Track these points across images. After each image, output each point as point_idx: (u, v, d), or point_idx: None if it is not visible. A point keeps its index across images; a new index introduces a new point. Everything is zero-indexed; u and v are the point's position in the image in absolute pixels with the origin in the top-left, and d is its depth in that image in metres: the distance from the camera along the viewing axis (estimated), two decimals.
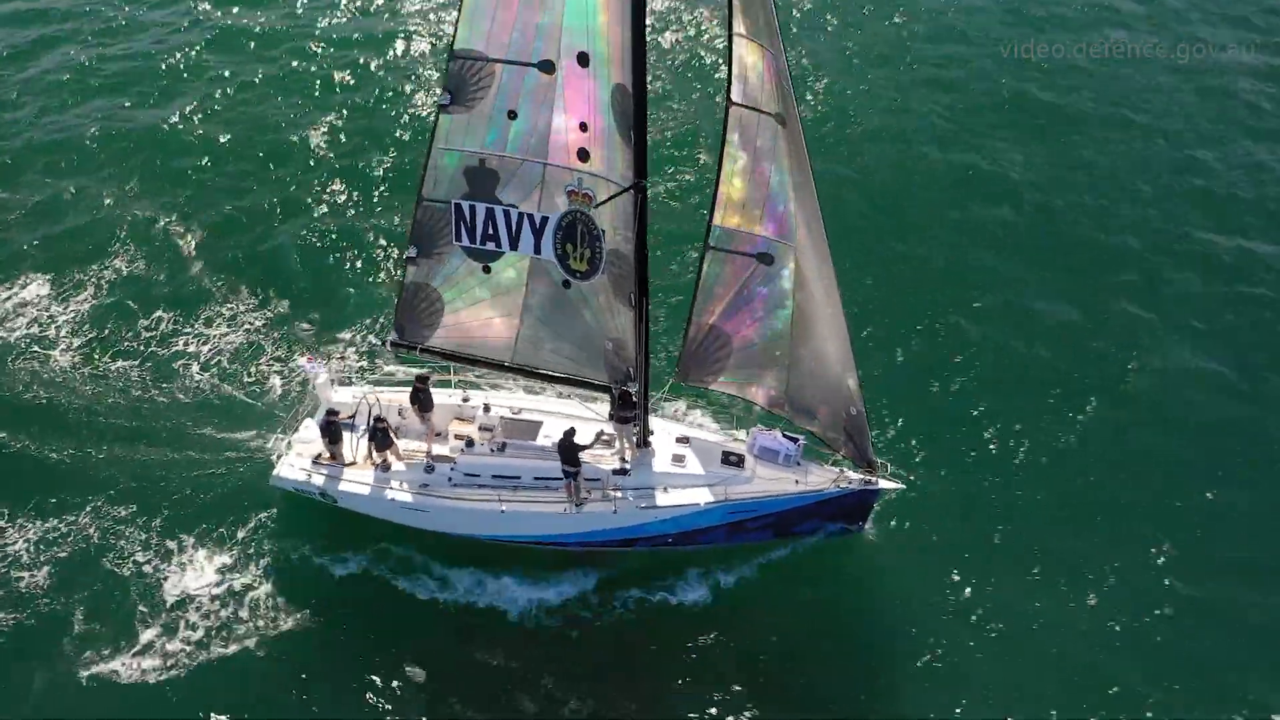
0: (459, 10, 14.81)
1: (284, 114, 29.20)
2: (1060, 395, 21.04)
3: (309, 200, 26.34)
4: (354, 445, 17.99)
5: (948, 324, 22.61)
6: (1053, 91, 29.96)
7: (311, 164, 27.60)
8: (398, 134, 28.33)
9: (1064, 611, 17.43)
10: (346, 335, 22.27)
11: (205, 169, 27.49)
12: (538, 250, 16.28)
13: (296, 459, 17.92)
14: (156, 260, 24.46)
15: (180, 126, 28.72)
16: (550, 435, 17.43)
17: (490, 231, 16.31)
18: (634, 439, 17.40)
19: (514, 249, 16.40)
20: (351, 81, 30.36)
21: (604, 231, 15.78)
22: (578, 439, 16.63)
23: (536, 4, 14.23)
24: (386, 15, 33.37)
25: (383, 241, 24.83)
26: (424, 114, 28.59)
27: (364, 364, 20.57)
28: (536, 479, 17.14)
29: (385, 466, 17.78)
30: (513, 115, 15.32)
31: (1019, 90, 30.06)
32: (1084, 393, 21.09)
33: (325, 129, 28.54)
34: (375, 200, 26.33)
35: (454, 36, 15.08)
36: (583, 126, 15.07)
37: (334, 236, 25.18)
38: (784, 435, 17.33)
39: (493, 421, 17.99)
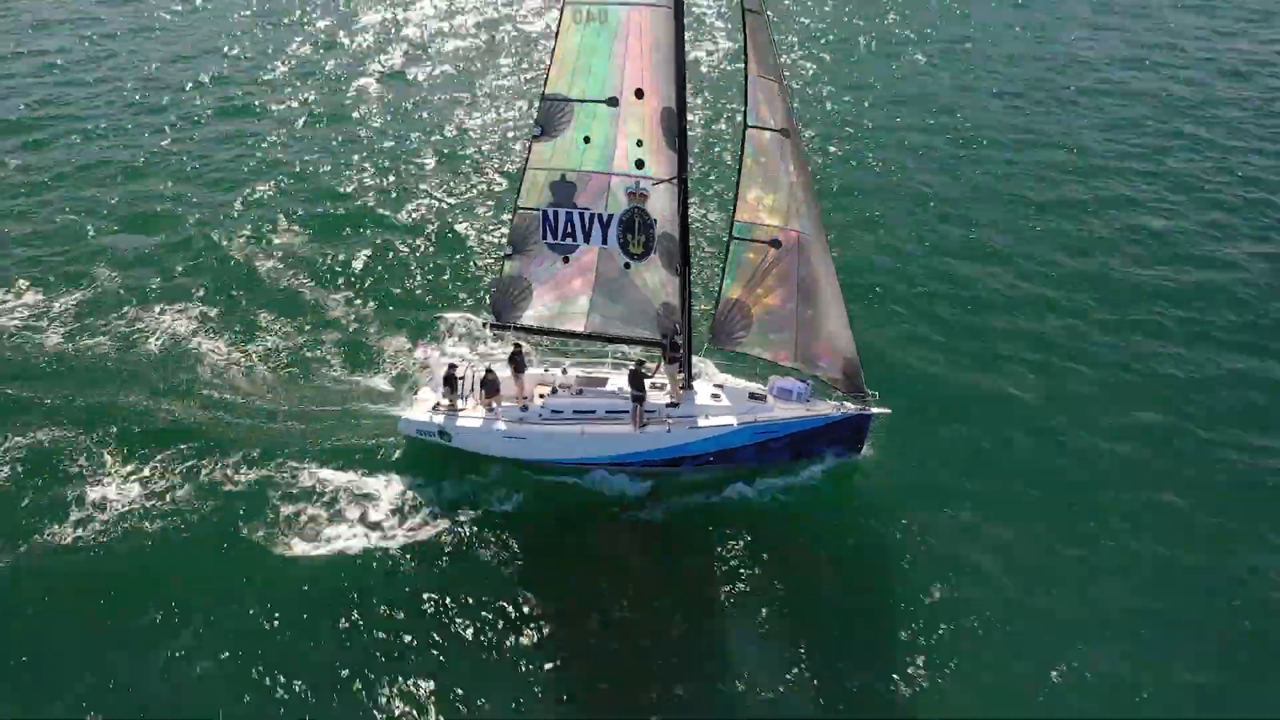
0: (551, 62, 20.75)
1: (390, 147, 36.99)
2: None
3: (414, 216, 33.47)
4: (466, 393, 22.97)
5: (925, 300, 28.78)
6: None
7: (418, 186, 35.34)
8: (487, 155, 36.99)
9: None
10: (452, 318, 27.66)
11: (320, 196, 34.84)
12: (605, 241, 21.72)
13: (419, 407, 22.98)
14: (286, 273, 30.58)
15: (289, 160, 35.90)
16: (617, 385, 22.64)
17: (569, 230, 21.80)
18: (680, 380, 22.37)
19: (586, 242, 21.88)
20: (442, 117, 38.23)
21: (655, 220, 21.36)
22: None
23: (604, 55, 20.30)
24: (476, 74, 40.23)
25: (478, 245, 31.43)
26: (509, 141, 37.27)
27: (464, 348, 25.46)
28: (608, 412, 22.15)
29: (490, 408, 22.60)
30: (587, 140, 21.00)
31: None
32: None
33: (431, 158, 37.06)
34: (472, 212, 33.52)
35: (545, 83, 21.03)
36: (639, 143, 20.77)
37: (437, 241, 31.90)
38: (796, 379, 22.12)
39: (569, 379, 23.20)
